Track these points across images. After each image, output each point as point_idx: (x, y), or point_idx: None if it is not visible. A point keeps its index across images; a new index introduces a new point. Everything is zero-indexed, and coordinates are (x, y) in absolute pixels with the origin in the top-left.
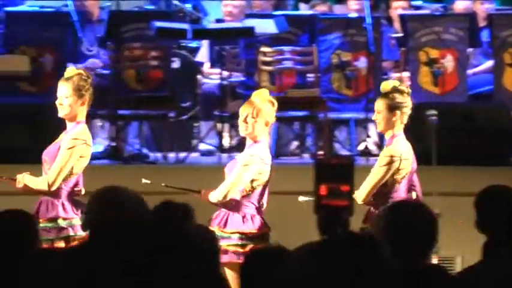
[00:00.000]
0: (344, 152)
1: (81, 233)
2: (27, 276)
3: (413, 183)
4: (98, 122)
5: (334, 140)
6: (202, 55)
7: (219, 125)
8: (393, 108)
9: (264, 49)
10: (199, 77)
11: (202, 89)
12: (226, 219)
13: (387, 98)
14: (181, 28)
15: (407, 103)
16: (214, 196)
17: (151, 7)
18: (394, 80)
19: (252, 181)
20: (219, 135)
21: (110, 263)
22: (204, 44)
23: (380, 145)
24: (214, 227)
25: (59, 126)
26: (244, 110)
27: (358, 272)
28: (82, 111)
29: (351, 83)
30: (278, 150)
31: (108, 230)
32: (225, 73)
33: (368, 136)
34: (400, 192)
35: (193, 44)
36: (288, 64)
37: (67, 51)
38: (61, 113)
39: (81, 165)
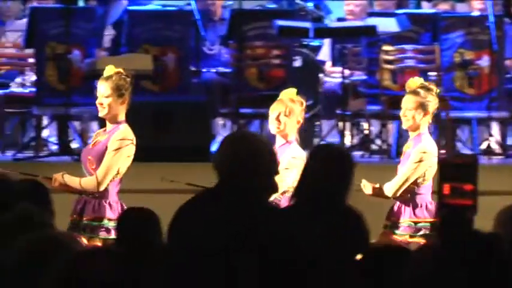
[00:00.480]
0: (466, 151)
1: None
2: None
3: None
4: (220, 121)
5: (456, 139)
6: (324, 54)
7: (340, 124)
8: (422, 106)
9: (386, 47)
10: (321, 75)
11: (324, 88)
12: None
13: (417, 95)
14: (303, 27)
15: (434, 101)
16: None
17: (274, 6)
18: (420, 78)
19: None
20: (341, 133)
21: None
22: (326, 43)
23: (502, 144)
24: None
25: (181, 124)
26: (276, 109)
27: (483, 273)
28: (122, 111)
29: (474, 81)
30: (399, 149)
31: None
32: (347, 72)
33: (490, 135)
34: (428, 188)
35: (315, 43)
36: (410, 63)
37: (189, 50)
38: (101, 113)
39: (126, 164)
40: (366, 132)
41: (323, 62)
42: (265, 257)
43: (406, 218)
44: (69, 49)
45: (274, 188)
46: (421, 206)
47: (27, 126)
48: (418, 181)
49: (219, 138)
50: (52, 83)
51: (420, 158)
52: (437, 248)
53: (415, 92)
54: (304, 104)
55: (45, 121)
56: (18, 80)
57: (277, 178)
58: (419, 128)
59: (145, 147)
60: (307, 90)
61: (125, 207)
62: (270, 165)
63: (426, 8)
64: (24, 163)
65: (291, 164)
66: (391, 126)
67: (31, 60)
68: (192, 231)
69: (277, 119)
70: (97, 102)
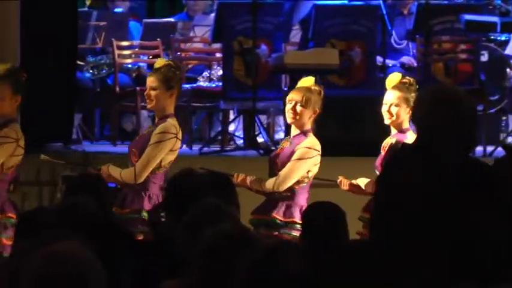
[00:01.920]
0: None
1: None
2: None
3: None
4: None
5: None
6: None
7: None
8: (406, 101)
9: None
10: (508, 70)
11: (511, 83)
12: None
13: (400, 90)
14: (490, 21)
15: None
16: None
17: (461, 0)
18: (399, 74)
19: (308, 172)
20: None
21: None
22: None
23: None
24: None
25: (367, 118)
26: (292, 98)
27: None
28: (171, 104)
29: None
30: None
31: None
32: None
33: None
34: None
35: (502, 37)
36: None
37: (376, 45)
38: (148, 105)
39: (170, 159)
40: None
41: (510, 57)
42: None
43: None
44: (257, 44)
45: (475, 142)
46: None
47: (214, 121)
48: None
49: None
50: (239, 77)
51: None
52: None
53: (397, 88)
54: (323, 93)
55: (231, 115)
56: (206, 74)
57: (289, 168)
58: (402, 124)
59: (332, 142)
60: (494, 85)
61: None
62: (471, 117)
63: None
64: (211, 157)
65: (304, 154)
66: None
67: (218, 54)
68: (397, 185)
69: (293, 108)
70: (145, 94)
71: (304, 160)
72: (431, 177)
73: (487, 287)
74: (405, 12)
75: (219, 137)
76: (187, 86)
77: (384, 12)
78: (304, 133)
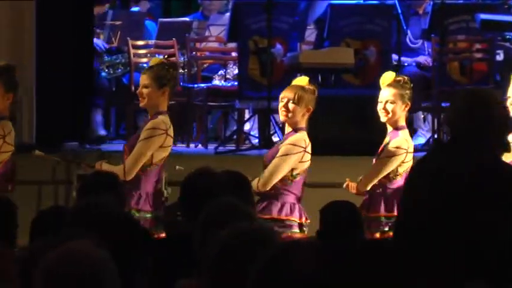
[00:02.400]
0: None
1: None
2: None
3: None
4: (421, 115)
5: None
6: None
7: None
8: (402, 98)
9: None
10: None
11: None
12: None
13: (395, 87)
14: (506, 20)
15: (410, 94)
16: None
17: None
18: (393, 72)
19: (292, 170)
20: None
21: None
22: None
23: None
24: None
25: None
26: (285, 96)
27: None
28: (163, 102)
29: None
30: None
31: None
32: None
33: None
34: (399, 184)
35: None
36: None
37: (391, 44)
38: (140, 103)
39: (162, 155)
40: None
41: None
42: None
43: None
44: (272, 43)
45: (506, 146)
46: (393, 201)
47: (229, 120)
48: (390, 176)
49: (420, 132)
50: (254, 76)
51: (392, 153)
52: None
53: (392, 85)
54: (317, 92)
55: (246, 115)
56: (221, 73)
57: (272, 165)
58: (398, 122)
59: (347, 141)
60: (509, 85)
61: (164, 198)
62: (503, 121)
63: None
64: (226, 156)
65: (288, 151)
66: None
67: (234, 54)
68: (423, 187)
69: (285, 106)
70: (137, 92)
71: (288, 156)
72: (462, 178)
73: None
74: (420, 11)
75: (235, 136)
76: (202, 85)
77: (399, 11)
78: (295, 130)
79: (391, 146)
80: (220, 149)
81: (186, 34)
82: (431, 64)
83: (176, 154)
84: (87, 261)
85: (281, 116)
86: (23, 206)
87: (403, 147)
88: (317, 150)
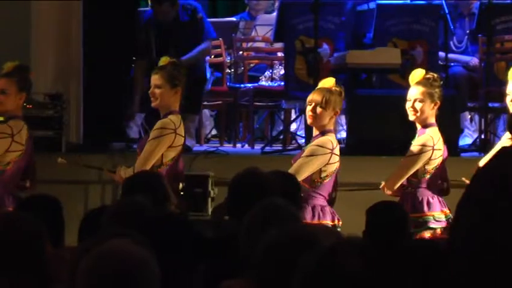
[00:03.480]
0: None
1: None
2: None
3: (445, 173)
4: (467, 115)
5: None
6: None
7: None
8: (431, 96)
9: None
10: None
11: None
12: None
13: (424, 86)
14: None
15: (440, 92)
16: None
17: None
18: (423, 70)
19: (321, 172)
20: None
21: None
22: None
23: None
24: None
25: None
26: (313, 99)
27: None
28: (175, 101)
29: None
30: None
31: None
32: None
33: None
34: (428, 183)
35: None
36: None
37: (438, 44)
38: (153, 103)
39: (171, 155)
40: None
41: None
42: None
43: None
44: (318, 43)
45: None
46: (421, 200)
47: (276, 120)
48: (419, 174)
49: (466, 132)
50: (301, 76)
51: (418, 151)
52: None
53: (421, 83)
54: (343, 93)
55: (293, 115)
56: (267, 73)
57: (296, 165)
58: (427, 120)
59: (393, 141)
60: None
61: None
62: None
63: None
64: (272, 156)
65: (313, 152)
66: None
67: (280, 54)
68: (486, 193)
69: (313, 110)
70: (149, 92)
71: (313, 157)
72: None
73: None
74: (466, 12)
75: (281, 136)
76: (249, 85)
77: (446, 11)
78: (322, 133)
79: (415, 144)
80: (267, 149)
81: (233, 34)
82: (477, 65)
83: (223, 154)
84: (127, 261)
85: (308, 120)
86: (70, 205)
87: (428, 144)
88: (363, 151)
